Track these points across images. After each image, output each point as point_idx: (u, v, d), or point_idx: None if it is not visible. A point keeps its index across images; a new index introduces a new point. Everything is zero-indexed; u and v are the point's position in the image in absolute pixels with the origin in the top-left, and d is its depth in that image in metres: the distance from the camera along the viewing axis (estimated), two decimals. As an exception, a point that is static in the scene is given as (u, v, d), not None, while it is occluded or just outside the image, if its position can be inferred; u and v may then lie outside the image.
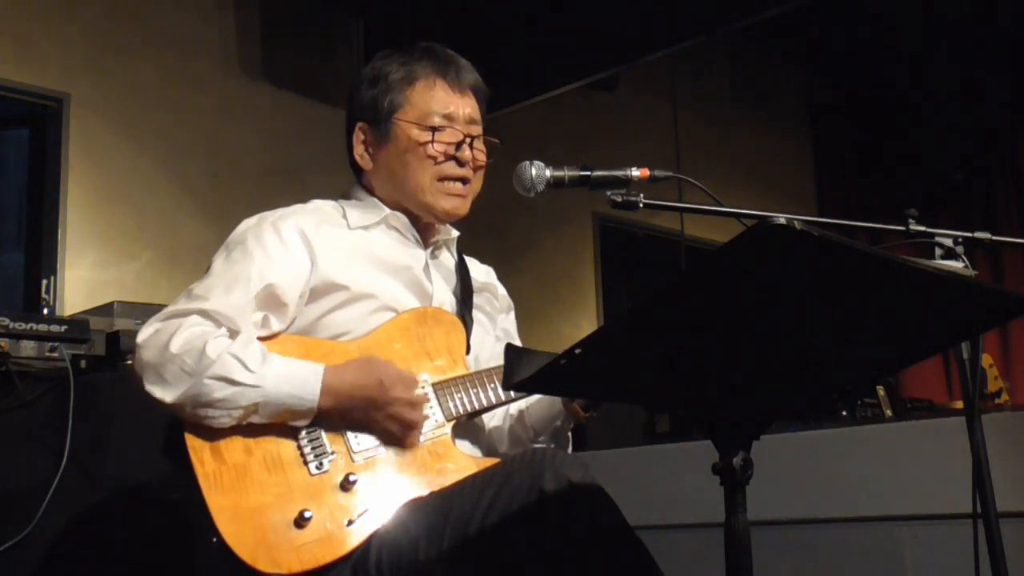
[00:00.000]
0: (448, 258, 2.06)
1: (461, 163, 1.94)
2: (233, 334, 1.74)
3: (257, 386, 1.68)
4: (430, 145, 1.93)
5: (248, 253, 1.81)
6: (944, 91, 6.86)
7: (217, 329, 1.73)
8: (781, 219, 0.99)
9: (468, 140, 1.95)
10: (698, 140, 6.61)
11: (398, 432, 1.76)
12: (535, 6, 4.63)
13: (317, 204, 1.97)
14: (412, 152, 1.93)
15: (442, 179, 1.94)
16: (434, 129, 1.93)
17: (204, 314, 1.74)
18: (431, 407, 1.82)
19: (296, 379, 1.71)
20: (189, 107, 4.56)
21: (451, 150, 1.94)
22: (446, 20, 4.62)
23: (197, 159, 4.56)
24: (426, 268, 1.97)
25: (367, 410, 1.74)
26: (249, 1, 4.84)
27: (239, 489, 1.66)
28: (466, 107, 1.98)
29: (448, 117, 1.95)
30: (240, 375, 1.67)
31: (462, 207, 1.97)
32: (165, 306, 1.80)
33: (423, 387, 1.82)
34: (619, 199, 1.75)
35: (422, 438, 1.79)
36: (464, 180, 1.96)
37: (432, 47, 2.02)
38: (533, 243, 5.82)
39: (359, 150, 1.99)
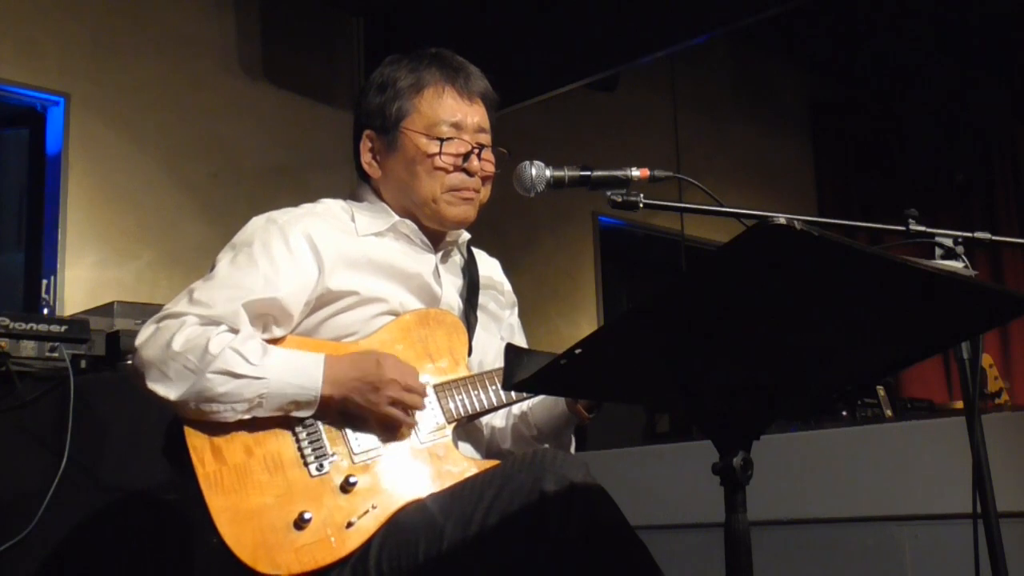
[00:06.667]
0: (459, 259, 2.05)
1: (470, 174, 1.92)
2: (234, 332, 1.74)
3: (260, 378, 1.68)
4: (438, 157, 1.90)
5: (254, 260, 1.79)
6: (944, 91, 6.86)
7: (218, 327, 1.73)
8: (781, 219, 1.00)
9: (476, 150, 1.93)
10: (698, 140, 6.61)
11: (400, 418, 1.75)
12: (535, 6, 4.63)
13: (327, 205, 1.95)
14: (420, 163, 1.91)
15: (451, 190, 1.92)
16: (442, 140, 1.91)
17: (205, 319, 1.73)
18: (432, 408, 1.81)
19: (298, 369, 1.71)
20: (189, 107, 4.56)
21: (459, 161, 1.91)
22: (446, 20, 4.62)
23: (197, 159, 4.55)
24: (436, 272, 1.95)
25: (367, 394, 1.73)
26: (249, 1, 4.84)
27: (239, 490, 1.66)
28: (475, 115, 1.95)
29: (456, 126, 1.92)
30: (242, 368, 1.67)
31: (471, 213, 1.95)
32: (165, 306, 1.79)
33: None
34: (619, 199, 1.75)
35: (423, 439, 1.79)
36: (473, 189, 1.94)
37: (442, 53, 2.00)
38: (533, 243, 5.82)
39: (366, 158, 1.97)
